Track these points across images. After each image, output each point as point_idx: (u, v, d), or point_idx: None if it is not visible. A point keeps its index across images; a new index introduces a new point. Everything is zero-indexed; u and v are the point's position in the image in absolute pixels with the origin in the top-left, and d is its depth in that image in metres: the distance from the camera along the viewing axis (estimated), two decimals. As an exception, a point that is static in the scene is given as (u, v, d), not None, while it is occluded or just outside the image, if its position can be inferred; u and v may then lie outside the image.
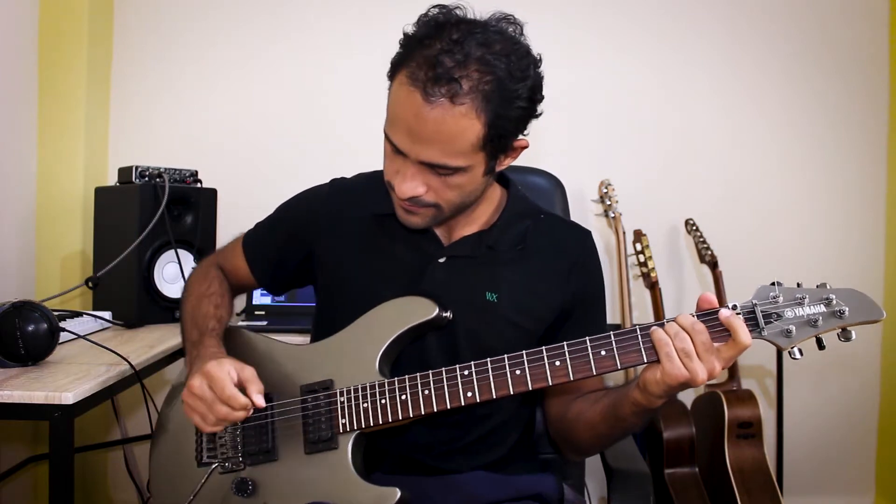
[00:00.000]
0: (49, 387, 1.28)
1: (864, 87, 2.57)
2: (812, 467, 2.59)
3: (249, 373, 1.09)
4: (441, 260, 1.18)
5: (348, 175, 1.35)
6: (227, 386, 1.06)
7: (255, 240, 1.36)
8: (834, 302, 0.94)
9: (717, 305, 0.97)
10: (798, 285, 0.97)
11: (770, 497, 2.13)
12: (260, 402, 1.08)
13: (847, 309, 0.93)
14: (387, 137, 1.07)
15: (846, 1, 2.56)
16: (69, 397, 1.25)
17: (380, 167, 1.18)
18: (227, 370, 1.07)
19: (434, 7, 1.06)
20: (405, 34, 1.06)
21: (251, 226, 1.41)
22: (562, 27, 2.54)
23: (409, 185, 1.06)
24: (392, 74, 1.05)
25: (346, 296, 1.21)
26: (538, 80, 1.06)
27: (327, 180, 1.35)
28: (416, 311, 1.11)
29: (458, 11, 1.05)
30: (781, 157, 2.58)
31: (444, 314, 1.11)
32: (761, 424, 2.19)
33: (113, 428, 2.44)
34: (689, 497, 2.18)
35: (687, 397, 2.39)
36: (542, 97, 1.09)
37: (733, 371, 2.29)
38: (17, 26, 2.17)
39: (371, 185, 1.24)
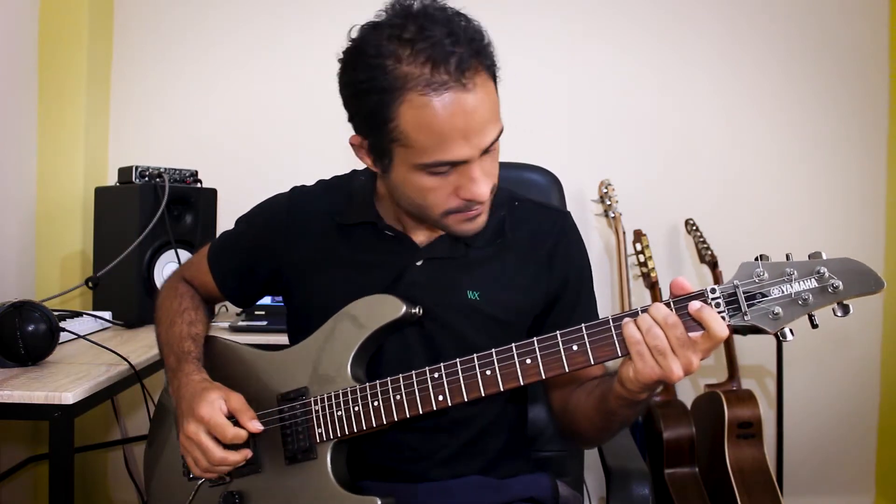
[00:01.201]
0: (49, 387, 1.28)
1: (864, 87, 2.57)
2: (812, 467, 2.59)
3: (237, 401, 1.07)
4: (418, 263, 1.14)
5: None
6: (227, 429, 1.04)
7: (219, 256, 1.31)
8: (826, 275, 0.87)
9: (690, 291, 0.91)
10: (787, 257, 0.89)
11: (770, 497, 2.13)
12: (257, 427, 1.06)
13: (841, 283, 0.86)
14: (434, 167, 0.99)
15: (846, 1, 2.56)
16: (69, 397, 1.26)
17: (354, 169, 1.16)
18: (217, 407, 1.05)
19: (365, 25, 1.03)
20: (379, 67, 0.97)
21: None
22: (562, 27, 2.55)
23: (486, 182, 1.01)
24: (391, 100, 0.96)
25: (320, 309, 1.16)
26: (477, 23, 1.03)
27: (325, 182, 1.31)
28: (383, 311, 1.08)
29: (381, 12, 1.02)
30: (781, 157, 2.58)
31: (413, 310, 1.08)
32: (761, 424, 2.19)
33: (113, 428, 2.44)
34: (689, 497, 2.17)
35: (687, 397, 2.39)
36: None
37: (733, 371, 2.29)
38: (17, 26, 2.17)
39: (333, 194, 1.16)
